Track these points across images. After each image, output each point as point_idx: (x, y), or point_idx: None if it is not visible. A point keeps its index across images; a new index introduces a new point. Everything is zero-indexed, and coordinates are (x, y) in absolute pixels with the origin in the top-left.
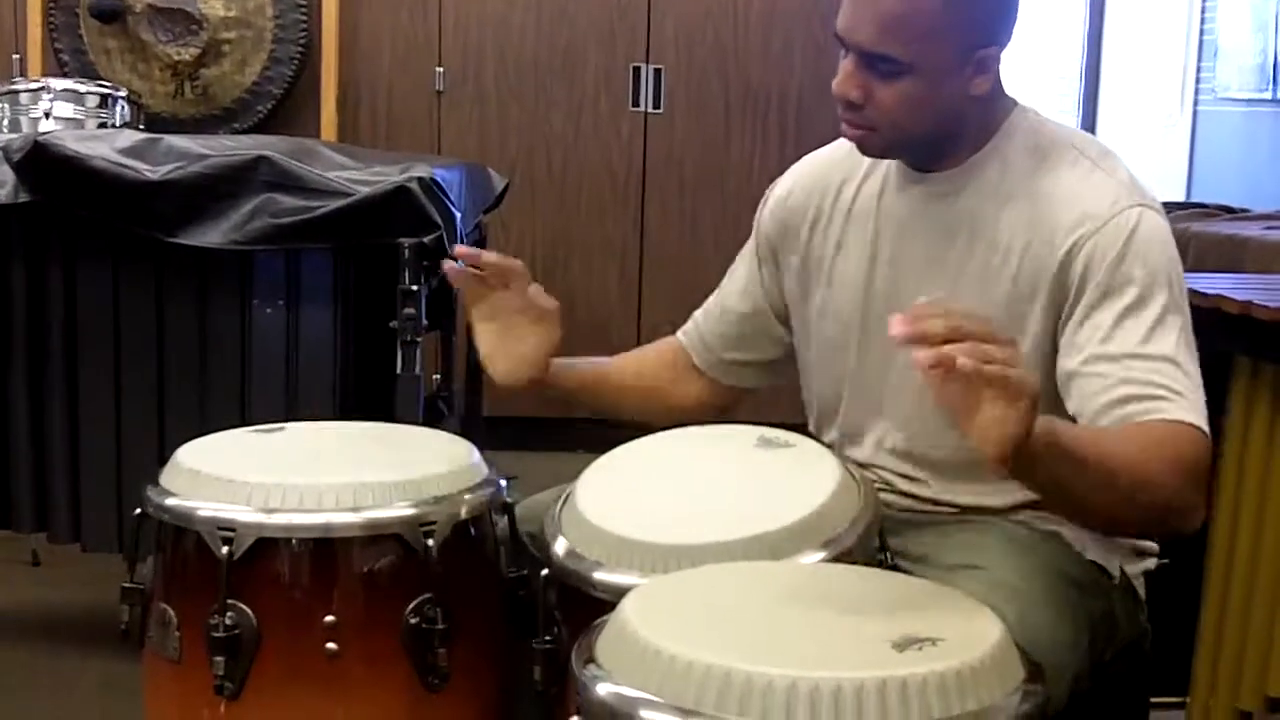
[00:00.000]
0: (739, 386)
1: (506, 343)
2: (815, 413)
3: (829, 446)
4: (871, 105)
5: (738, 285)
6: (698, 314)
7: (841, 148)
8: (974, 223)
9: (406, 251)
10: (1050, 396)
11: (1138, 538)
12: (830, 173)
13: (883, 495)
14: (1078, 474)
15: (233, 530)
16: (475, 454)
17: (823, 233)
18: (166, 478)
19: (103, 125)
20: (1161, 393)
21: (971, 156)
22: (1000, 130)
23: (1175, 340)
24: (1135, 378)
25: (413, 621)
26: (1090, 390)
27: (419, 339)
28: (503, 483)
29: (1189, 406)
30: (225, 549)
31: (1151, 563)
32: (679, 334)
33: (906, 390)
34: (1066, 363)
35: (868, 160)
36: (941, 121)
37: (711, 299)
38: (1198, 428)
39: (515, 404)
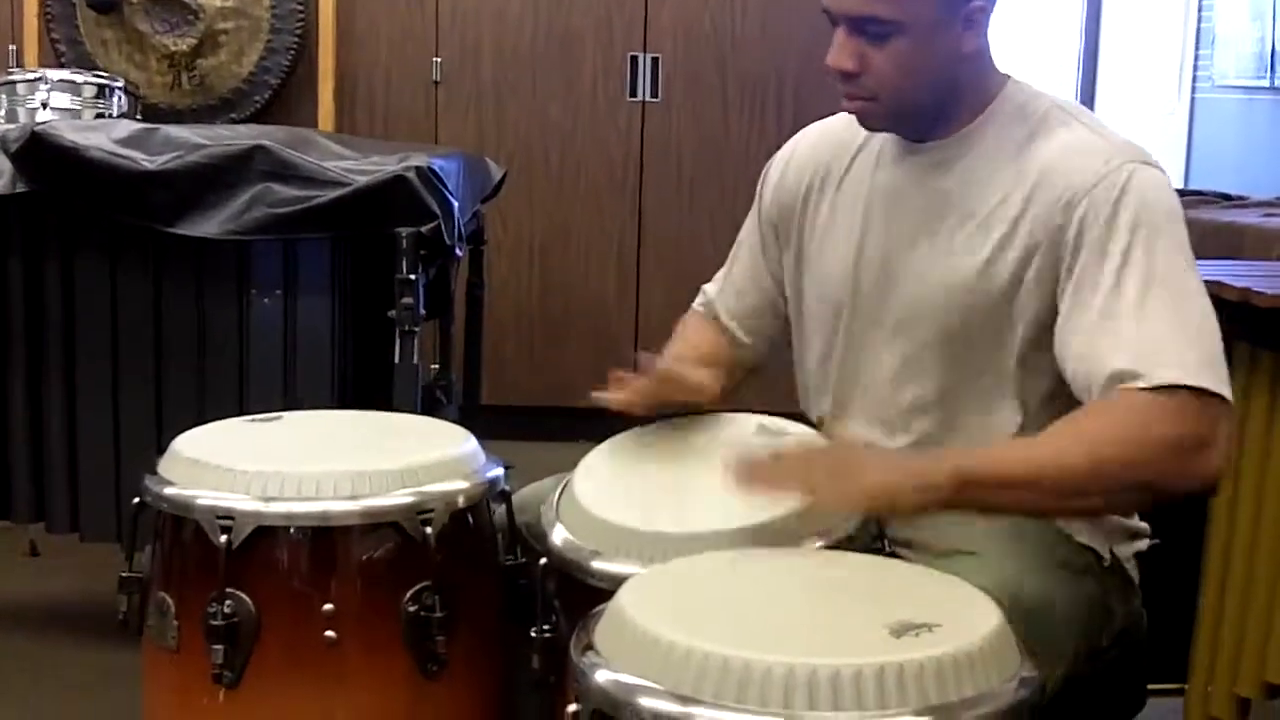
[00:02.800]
0: (749, 364)
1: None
2: (805, 388)
3: (818, 422)
4: (868, 73)
5: (744, 265)
6: (709, 288)
7: (840, 119)
8: (968, 191)
9: (404, 241)
10: (1052, 364)
11: (1135, 511)
12: (826, 148)
13: None
14: (1012, 497)
15: (231, 519)
16: (473, 442)
17: (815, 207)
18: (165, 467)
19: (100, 116)
20: (1143, 363)
21: (967, 126)
22: (994, 101)
23: (1169, 298)
24: (1124, 347)
25: (411, 609)
26: (1082, 368)
27: (417, 328)
28: (501, 471)
29: (1168, 374)
30: (224, 537)
31: (1143, 544)
32: (697, 306)
33: (891, 363)
34: (1063, 334)
35: (863, 134)
36: (937, 82)
37: (721, 274)
38: (1175, 388)
39: (513, 393)
